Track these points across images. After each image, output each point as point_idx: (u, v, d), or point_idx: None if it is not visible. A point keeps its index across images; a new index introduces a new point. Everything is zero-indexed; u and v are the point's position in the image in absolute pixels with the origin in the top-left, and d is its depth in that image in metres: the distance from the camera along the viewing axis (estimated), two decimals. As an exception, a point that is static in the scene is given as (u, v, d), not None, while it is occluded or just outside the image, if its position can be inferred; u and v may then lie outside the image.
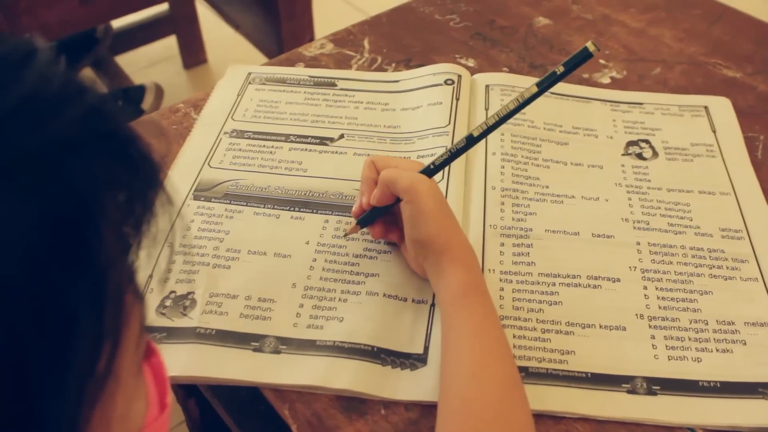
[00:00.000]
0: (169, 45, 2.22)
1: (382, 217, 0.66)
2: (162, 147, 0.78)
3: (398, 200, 0.63)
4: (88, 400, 0.27)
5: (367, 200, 0.65)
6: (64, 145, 0.26)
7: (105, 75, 2.06)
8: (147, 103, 1.88)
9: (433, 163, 0.63)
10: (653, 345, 0.62)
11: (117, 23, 2.06)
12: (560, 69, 0.59)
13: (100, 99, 0.29)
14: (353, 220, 0.67)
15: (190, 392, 0.96)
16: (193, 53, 2.22)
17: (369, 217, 0.66)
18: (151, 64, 2.25)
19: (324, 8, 1.95)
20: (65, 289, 0.25)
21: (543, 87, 0.61)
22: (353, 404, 0.58)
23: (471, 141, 0.63)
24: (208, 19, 2.16)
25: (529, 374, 0.59)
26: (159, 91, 1.94)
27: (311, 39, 1.51)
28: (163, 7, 2.09)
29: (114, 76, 2.04)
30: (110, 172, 0.28)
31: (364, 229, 0.67)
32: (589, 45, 0.58)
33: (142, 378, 0.33)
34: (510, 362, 0.56)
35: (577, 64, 0.59)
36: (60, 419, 0.26)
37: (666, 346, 0.62)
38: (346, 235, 0.68)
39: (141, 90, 1.91)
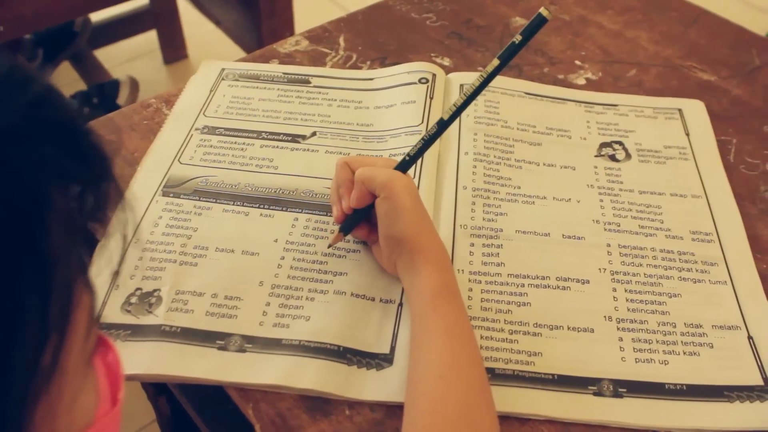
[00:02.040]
0: (149, 39, 2.20)
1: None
2: (119, 143, 0.78)
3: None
4: (32, 394, 0.26)
5: (347, 203, 0.63)
6: (9, 134, 0.26)
7: (84, 69, 2.04)
8: (122, 97, 1.86)
9: (408, 154, 0.63)
10: (621, 347, 0.61)
11: (96, 17, 2.04)
12: (518, 38, 0.60)
13: (46, 88, 0.29)
14: (328, 226, 0.67)
15: (160, 390, 0.95)
16: (173, 48, 2.21)
17: (351, 222, 0.64)
18: (131, 58, 2.23)
19: (305, 5, 1.94)
20: (10, 282, 0.25)
21: (504, 58, 0.61)
22: (318, 404, 0.57)
23: (443, 125, 0.63)
24: (189, 15, 2.15)
25: (495, 375, 0.59)
26: (134, 85, 1.92)
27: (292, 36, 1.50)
28: (144, 1, 2.07)
29: (93, 70, 2.02)
30: (58, 162, 0.28)
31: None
32: (543, 10, 0.58)
33: (92, 371, 0.32)
34: (478, 365, 0.56)
35: (533, 31, 0.60)
36: (3, 413, 0.25)
37: (633, 349, 0.61)
38: (330, 245, 0.67)
39: (116, 85, 1.89)
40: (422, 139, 0.63)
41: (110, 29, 2.12)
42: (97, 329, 0.32)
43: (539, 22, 0.59)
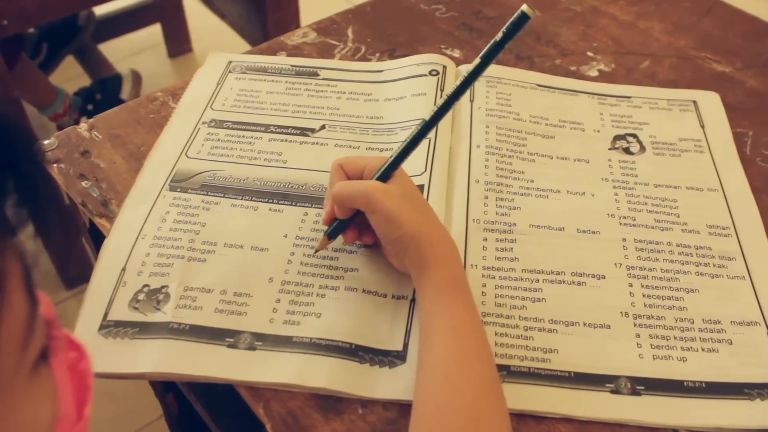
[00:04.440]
0: (153, 33, 2.19)
1: (354, 221, 0.63)
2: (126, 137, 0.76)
3: None
4: None
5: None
6: None
7: (88, 63, 2.03)
8: (125, 91, 1.86)
9: (387, 161, 0.61)
10: (638, 344, 0.60)
11: (100, 10, 2.03)
12: (499, 36, 0.58)
13: None
14: (322, 232, 0.65)
15: (168, 387, 0.95)
16: (178, 42, 2.20)
17: (337, 228, 0.63)
18: (135, 52, 2.23)
19: (311, -3, 1.92)
20: None
21: (485, 57, 0.59)
22: (330, 403, 0.56)
23: (425, 127, 0.61)
24: (194, 8, 2.14)
25: (510, 373, 0.58)
26: (136, 78, 1.91)
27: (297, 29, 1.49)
28: (148, -6, 2.07)
29: (98, 64, 2.01)
30: None
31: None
32: (525, 8, 0.56)
33: (41, 381, 0.30)
34: (487, 363, 0.54)
35: (515, 28, 0.57)
36: None
37: (651, 345, 0.60)
38: (316, 251, 0.65)
39: (118, 79, 1.88)
40: (404, 141, 0.61)
41: (114, 23, 2.11)
42: (40, 337, 0.29)
43: (521, 19, 0.57)
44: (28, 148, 0.29)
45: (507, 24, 0.57)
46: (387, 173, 0.60)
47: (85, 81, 1.96)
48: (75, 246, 1.53)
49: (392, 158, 0.61)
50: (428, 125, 0.61)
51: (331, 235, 0.64)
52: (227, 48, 0.90)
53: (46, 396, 0.30)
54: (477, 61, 0.59)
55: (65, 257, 1.55)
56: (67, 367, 0.33)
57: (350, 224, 0.63)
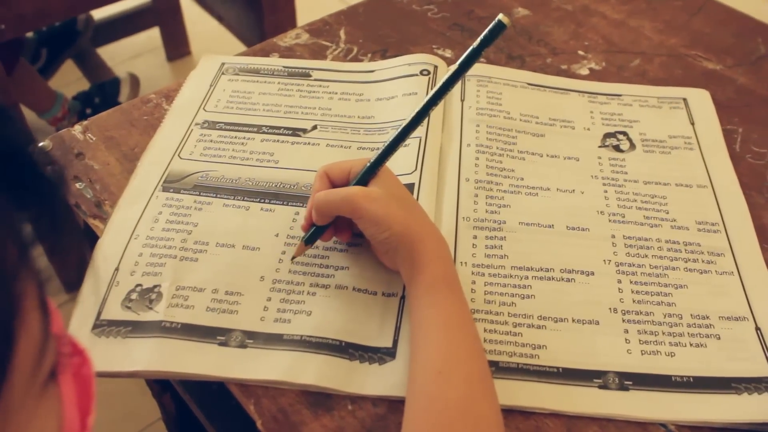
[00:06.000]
0: (152, 37, 2.20)
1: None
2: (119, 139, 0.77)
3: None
4: None
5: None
6: None
7: (87, 67, 2.04)
8: (123, 95, 1.86)
9: (365, 167, 0.61)
10: (626, 339, 0.61)
11: (99, 15, 2.04)
12: (476, 43, 0.59)
13: None
14: (300, 237, 0.65)
15: (165, 387, 0.95)
16: (176, 45, 2.20)
17: (315, 234, 0.63)
18: (134, 56, 2.23)
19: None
20: None
21: (462, 64, 0.60)
22: (320, 399, 0.57)
23: (405, 130, 0.62)
24: (192, 11, 2.15)
25: (499, 369, 0.58)
26: (134, 81, 1.92)
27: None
28: (146, -2, 2.08)
29: (96, 68, 2.02)
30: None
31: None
32: (502, 17, 0.58)
33: (49, 399, 0.30)
34: (479, 357, 0.55)
35: (491, 37, 0.59)
36: None
37: (639, 341, 0.61)
38: (293, 258, 0.65)
39: (116, 83, 1.89)
40: (384, 142, 0.62)
41: (113, 27, 2.12)
42: (52, 355, 0.29)
43: (497, 27, 0.58)
44: (48, 174, 0.29)
45: (484, 32, 0.59)
46: (366, 177, 0.61)
47: (84, 85, 1.96)
48: (75, 249, 1.54)
49: (372, 162, 0.61)
50: (408, 128, 0.62)
51: (308, 241, 0.64)
52: (225, 51, 0.91)
53: (52, 412, 0.30)
54: (455, 67, 0.60)
55: (65, 261, 1.56)
56: (71, 374, 0.33)
57: (326, 229, 0.63)
